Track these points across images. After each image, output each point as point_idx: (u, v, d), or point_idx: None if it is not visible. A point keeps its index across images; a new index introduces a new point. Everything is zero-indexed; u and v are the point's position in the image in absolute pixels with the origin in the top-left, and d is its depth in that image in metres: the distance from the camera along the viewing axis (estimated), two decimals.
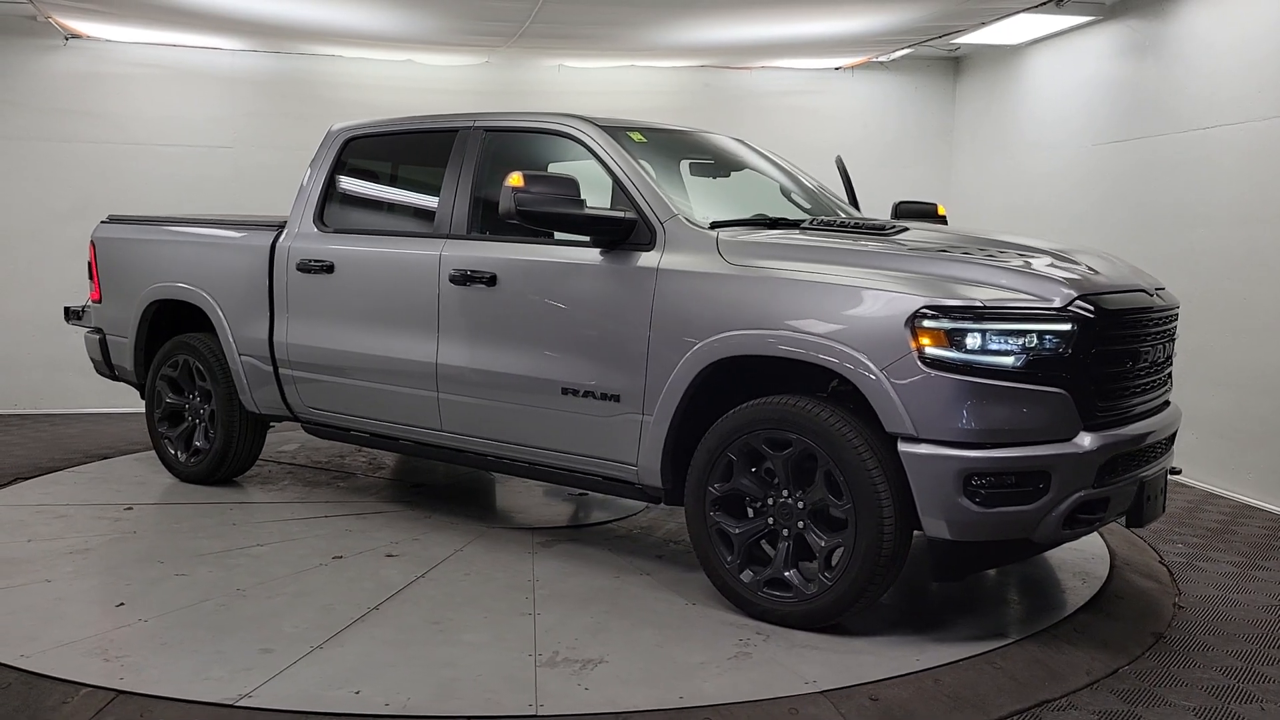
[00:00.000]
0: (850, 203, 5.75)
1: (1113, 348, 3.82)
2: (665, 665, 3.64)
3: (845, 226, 4.38)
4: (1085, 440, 3.68)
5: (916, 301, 3.63)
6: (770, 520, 3.99)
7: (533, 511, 5.72)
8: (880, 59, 9.16)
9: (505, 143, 5.06)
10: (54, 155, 8.47)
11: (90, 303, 6.58)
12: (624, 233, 4.33)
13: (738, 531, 4.04)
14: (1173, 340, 4.43)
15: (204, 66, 8.66)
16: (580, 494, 5.95)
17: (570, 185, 4.29)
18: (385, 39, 8.09)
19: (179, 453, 6.06)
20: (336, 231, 5.41)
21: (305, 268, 5.37)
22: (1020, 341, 3.61)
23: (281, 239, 5.54)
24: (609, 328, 4.36)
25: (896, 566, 3.80)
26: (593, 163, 4.63)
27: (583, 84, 9.10)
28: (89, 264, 6.50)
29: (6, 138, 8.39)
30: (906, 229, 4.39)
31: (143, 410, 6.32)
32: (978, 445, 3.58)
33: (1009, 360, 3.60)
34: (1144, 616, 4.30)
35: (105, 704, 3.26)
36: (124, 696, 3.30)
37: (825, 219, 4.56)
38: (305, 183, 5.59)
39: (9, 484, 6.01)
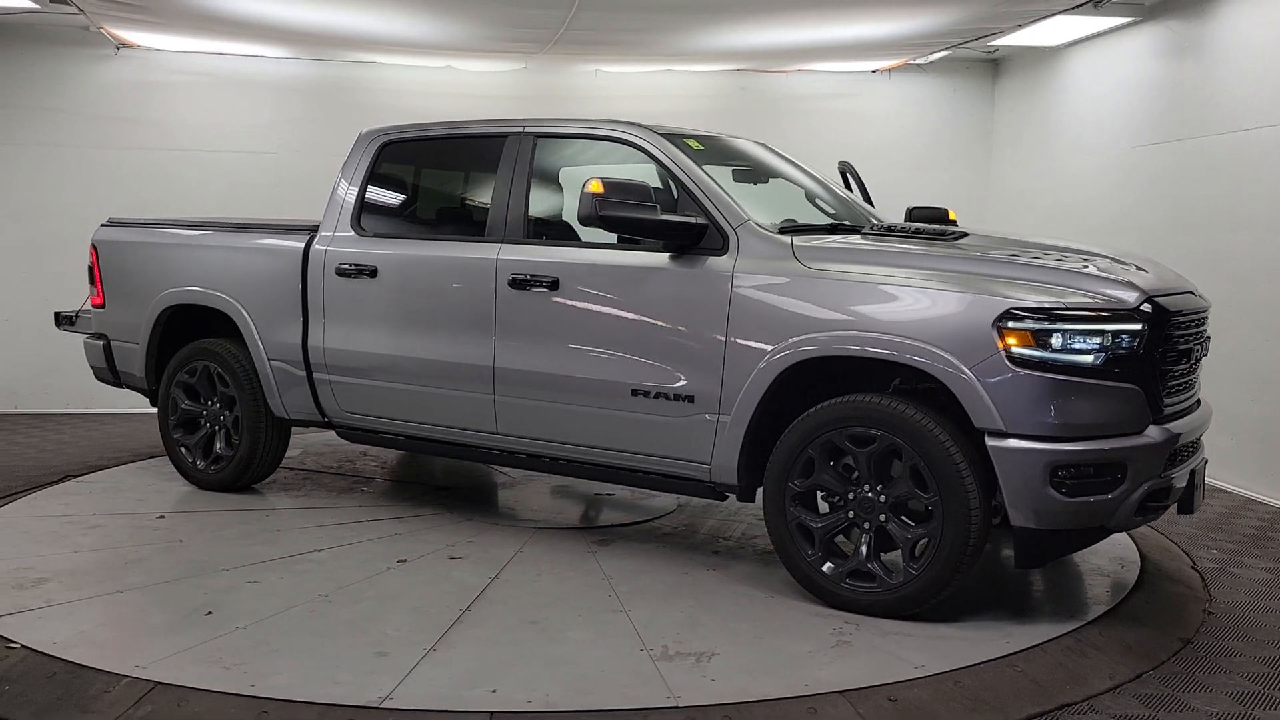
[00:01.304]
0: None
1: (1173, 346, 4.06)
2: (774, 655, 3.77)
3: (906, 232, 4.52)
4: (1154, 433, 3.93)
5: (1004, 303, 3.83)
6: (850, 514, 4.14)
7: (566, 512, 5.80)
8: (917, 61, 9.14)
9: (559, 149, 5.17)
10: (104, 162, 8.71)
11: (91, 308, 6.45)
12: (696, 238, 4.44)
13: (819, 525, 4.18)
14: (1207, 340, 4.55)
15: (248, 74, 8.86)
16: (608, 494, 6.02)
17: (645, 191, 4.43)
18: (424, 46, 8.22)
19: (197, 460, 5.95)
20: (377, 236, 5.42)
21: (345, 272, 5.36)
22: (1098, 340, 3.83)
23: (316, 243, 5.52)
24: (682, 331, 4.46)
25: (978, 556, 3.97)
26: (644, 168, 4.74)
27: (619, 88, 9.17)
28: (90, 268, 6.36)
29: (60, 145, 8.63)
30: (966, 234, 4.54)
31: (131, 412, 6.28)
32: (1063, 439, 3.79)
33: (1088, 358, 3.81)
34: (1172, 622, 4.29)
35: (145, 693, 3.38)
36: (161, 687, 3.42)
37: (884, 225, 4.70)
38: (340, 187, 5.57)
39: (32, 489, 6.12)
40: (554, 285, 4.75)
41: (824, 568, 4.18)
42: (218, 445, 5.90)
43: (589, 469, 4.88)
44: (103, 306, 6.36)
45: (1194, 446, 4.31)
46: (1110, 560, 4.95)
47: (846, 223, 4.97)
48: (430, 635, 3.88)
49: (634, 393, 4.54)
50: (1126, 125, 7.68)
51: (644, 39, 7.87)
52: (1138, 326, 3.87)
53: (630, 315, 4.58)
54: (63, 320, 6.77)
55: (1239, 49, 6.55)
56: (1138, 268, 4.29)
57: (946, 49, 8.55)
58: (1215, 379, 6.50)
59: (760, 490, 4.40)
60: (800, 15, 7.18)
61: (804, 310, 4.17)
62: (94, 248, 6.38)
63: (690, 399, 4.42)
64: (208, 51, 8.65)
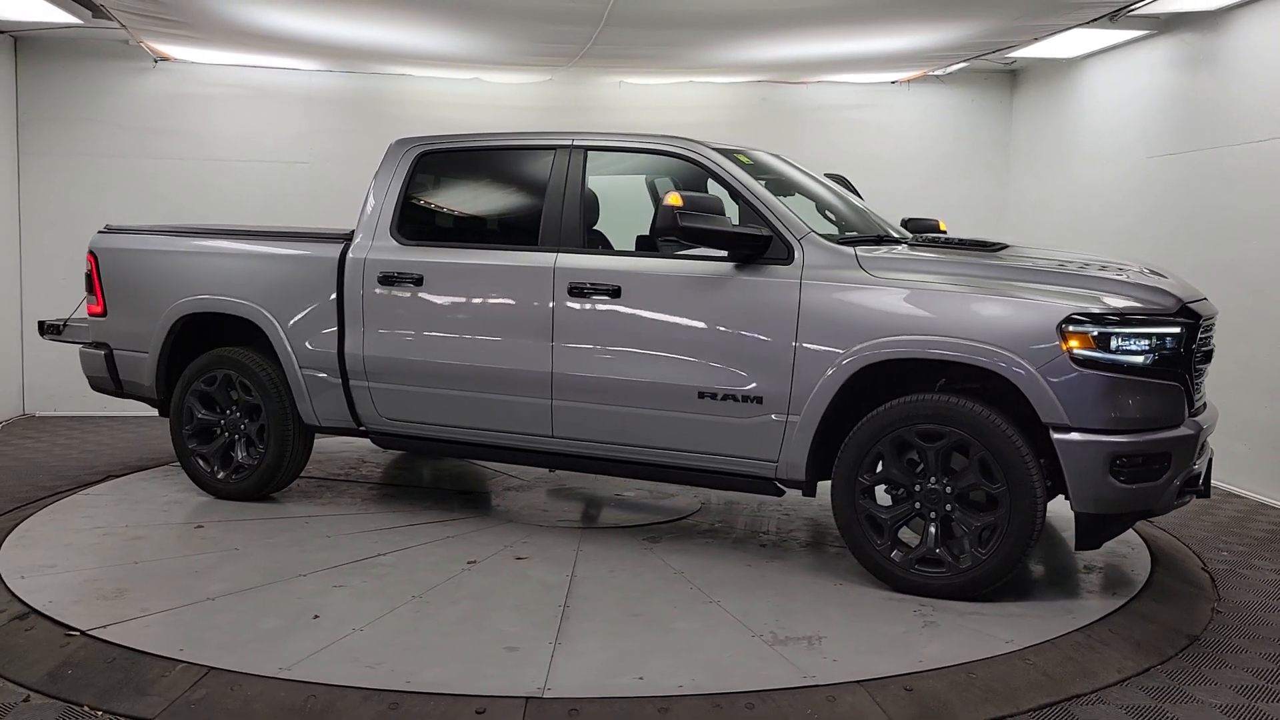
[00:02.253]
0: None
1: (1200, 348, 4.50)
2: (875, 637, 4.04)
3: (950, 244, 4.92)
4: (1190, 425, 4.39)
5: (1066, 308, 4.22)
6: (917, 505, 4.45)
7: (578, 511, 5.97)
8: (936, 73, 9.29)
9: (611, 161, 5.41)
10: (142, 171, 8.96)
11: (88, 316, 6.29)
12: (762, 248, 4.71)
13: (886, 516, 4.49)
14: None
15: (281, 86, 9.10)
16: (619, 495, 6.21)
17: (718, 204, 4.70)
18: (453, 59, 8.43)
19: (216, 469, 5.87)
20: (420, 244, 5.46)
21: (389, 279, 5.40)
22: (1147, 342, 4.26)
23: (353, 252, 5.53)
24: (750, 336, 4.70)
25: (1039, 541, 4.37)
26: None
27: (643, 100, 9.37)
28: (88, 276, 6.22)
29: (100, 155, 8.90)
30: (1006, 246, 4.97)
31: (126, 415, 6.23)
32: (1120, 431, 4.19)
33: (1139, 358, 4.23)
34: (1180, 620, 4.42)
35: (199, 678, 3.58)
36: (215, 672, 3.61)
37: (928, 236, 5.04)
38: (376, 196, 5.59)
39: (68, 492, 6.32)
40: (615, 293, 4.93)
41: (893, 555, 4.49)
42: (239, 454, 5.84)
43: (647, 469, 5.08)
44: (103, 315, 6.20)
45: (1206, 440, 4.69)
46: (1123, 561, 5.09)
47: (892, 234, 5.30)
48: (546, 630, 4.03)
49: (700, 395, 4.77)
50: (1142, 136, 7.81)
51: (667, 53, 8.06)
52: (1178, 329, 4.30)
53: (696, 322, 4.81)
54: (47, 329, 6.56)
55: (1253, 62, 6.68)
56: (1156, 274, 4.70)
57: (964, 61, 8.70)
58: (1229, 386, 6.64)
59: (812, 485, 4.72)
60: (819, 30, 7.34)
61: (875, 316, 4.47)
62: (92, 255, 6.23)
63: (759, 400, 4.67)
64: (242, 64, 8.89)
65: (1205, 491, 4.63)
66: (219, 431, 5.92)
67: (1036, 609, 4.36)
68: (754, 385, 4.68)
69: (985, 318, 4.31)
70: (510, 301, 5.18)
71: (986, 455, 4.29)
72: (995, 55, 8.44)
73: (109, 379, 6.25)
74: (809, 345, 4.57)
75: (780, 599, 4.43)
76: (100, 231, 6.34)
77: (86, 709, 3.46)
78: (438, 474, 6.73)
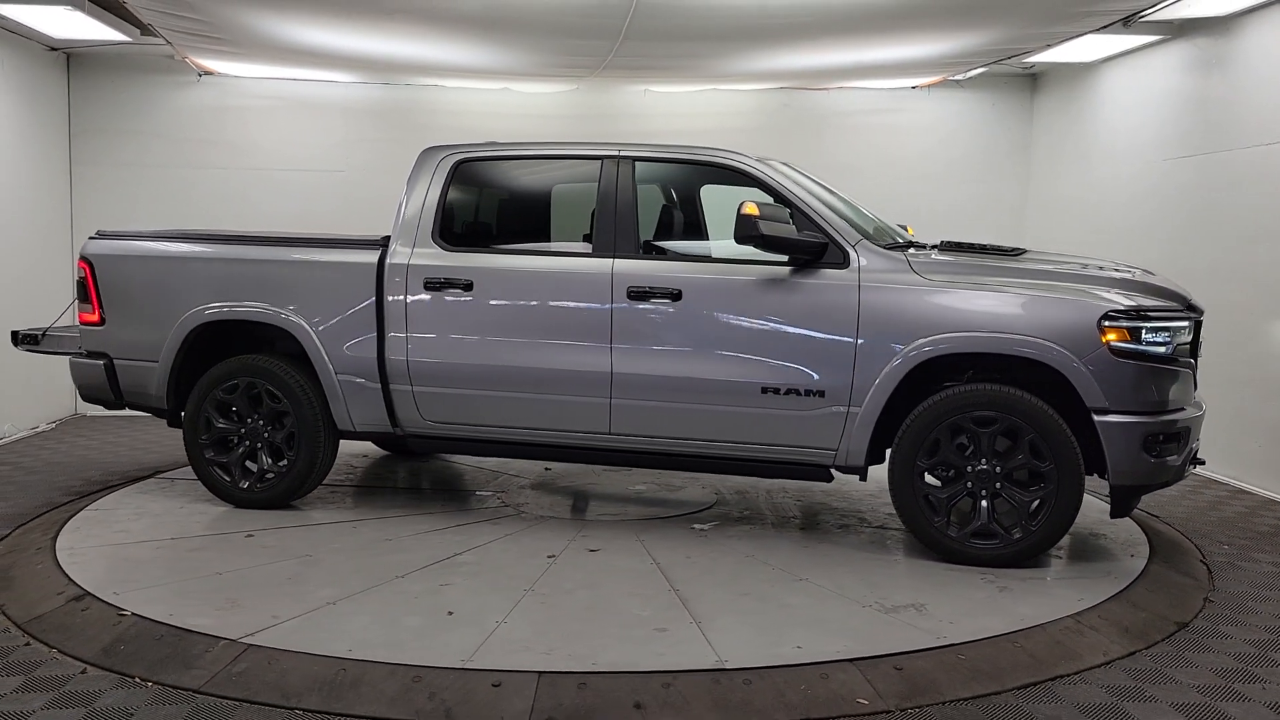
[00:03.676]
0: None
1: (1198, 340, 5.10)
2: (967, 602, 4.46)
3: (974, 248, 5.40)
4: (1198, 406, 5.07)
5: (1104, 306, 4.78)
6: (969, 484, 4.92)
7: (617, 506, 6.22)
8: (956, 78, 9.45)
9: (660, 172, 5.74)
10: (185, 181, 9.35)
11: (80, 325, 6.06)
12: (820, 254, 5.07)
13: (944, 496, 4.96)
14: None
15: (318, 98, 9.45)
16: (638, 490, 6.43)
17: (784, 213, 5.09)
18: (482, 70, 8.73)
19: (238, 479, 5.77)
20: (465, 250, 5.56)
21: (435, 285, 5.48)
22: (1168, 335, 4.84)
23: (393, 258, 5.56)
24: (813, 335, 5.08)
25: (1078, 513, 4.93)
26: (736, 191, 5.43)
27: (667, 107, 9.62)
28: (83, 283, 5.99)
29: (147, 165, 9.30)
30: (1025, 251, 5.55)
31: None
32: (1151, 413, 4.78)
33: (1163, 349, 4.81)
34: (1171, 608, 4.59)
35: (240, 653, 3.87)
36: (254, 649, 3.90)
37: (951, 242, 5.56)
38: (416, 202, 5.63)
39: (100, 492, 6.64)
40: (676, 296, 5.21)
41: (949, 531, 4.95)
42: (265, 462, 5.77)
43: (702, 462, 5.39)
44: (101, 324, 5.97)
45: None
46: (1121, 552, 5.26)
47: (901, 239, 5.63)
48: (675, 612, 4.30)
49: (764, 390, 5.11)
50: (1157, 138, 7.93)
51: (689, 63, 8.29)
52: (1187, 323, 4.96)
53: (758, 322, 5.15)
54: (23, 339, 6.29)
55: (1264, 66, 6.80)
56: (1148, 274, 5.27)
57: (983, 66, 8.85)
58: (1240, 384, 6.78)
59: (865, 470, 5.15)
60: (836, 41, 7.54)
61: (931, 314, 4.92)
62: (87, 262, 6.01)
63: (821, 394, 5.06)
64: (282, 78, 9.25)
65: (1202, 461, 5.26)
66: (237, 440, 5.81)
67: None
68: (817, 380, 5.05)
69: (1033, 315, 4.81)
70: (567, 305, 5.39)
71: (1036, 438, 4.79)
72: (1014, 60, 8.59)
73: (108, 389, 6.01)
74: (869, 342, 4.98)
75: (857, 574, 4.83)
76: (92, 237, 6.15)
77: (137, 680, 3.77)
78: (413, 473, 6.82)
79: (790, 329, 5.09)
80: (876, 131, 9.80)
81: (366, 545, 5.22)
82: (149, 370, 5.89)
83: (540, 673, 3.72)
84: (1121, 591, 4.67)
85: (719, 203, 5.93)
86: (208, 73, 9.16)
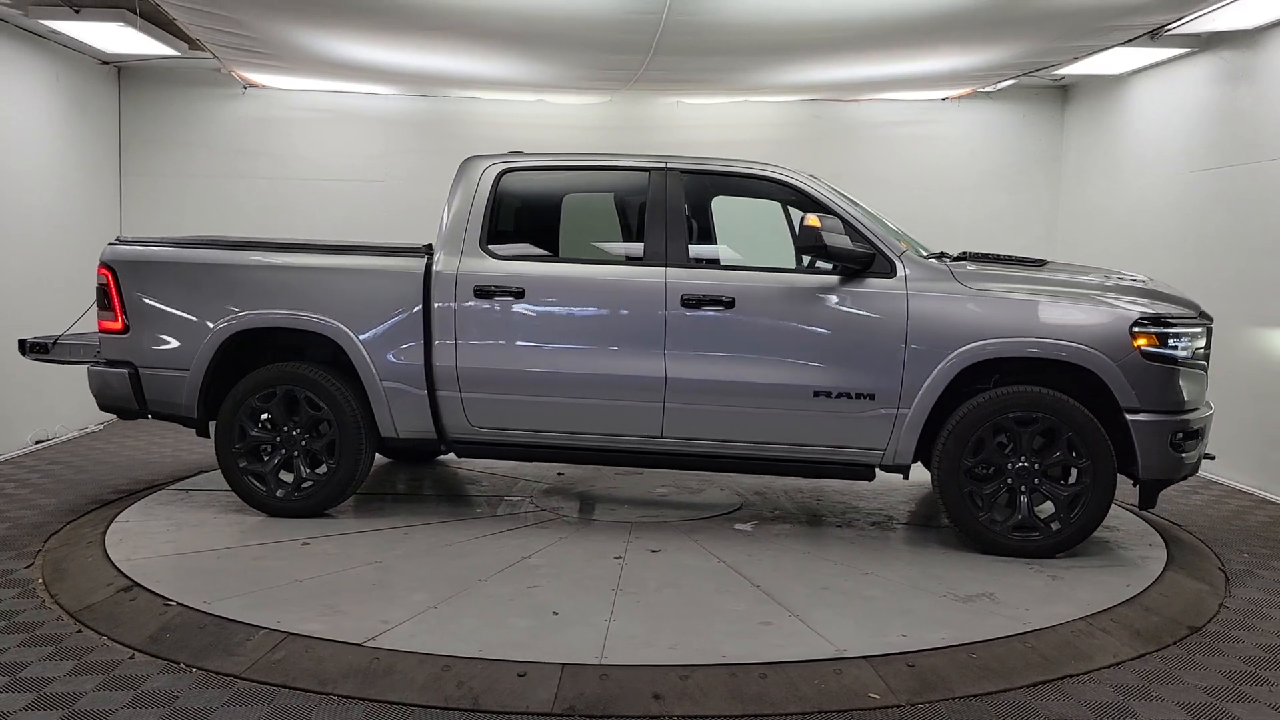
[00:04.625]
0: None
1: (1209, 345, 5.41)
2: (1031, 591, 4.74)
3: (1000, 259, 5.71)
4: (1211, 406, 5.41)
5: (1134, 313, 5.15)
6: (1009, 481, 5.24)
7: (651, 508, 6.36)
8: (986, 89, 9.52)
9: (708, 184, 5.94)
10: (230, 191, 9.64)
11: (99, 333, 5.95)
12: (869, 263, 5.33)
13: (988, 492, 5.25)
14: None
15: (359, 109, 9.71)
16: (660, 492, 6.57)
17: (840, 224, 5.36)
18: (518, 83, 8.93)
19: (274, 487, 5.74)
20: (514, 259, 5.65)
21: (485, 292, 5.56)
22: (1189, 339, 5.19)
23: (440, 266, 5.61)
24: (863, 341, 5.33)
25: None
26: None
27: (698, 119, 9.77)
28: (104, 289, 5.86)
29: (193, 175, 9.60)
30: (1047, 262, 5.84)
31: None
32: (1176, 412, 5.14)
33: (1185, 353, 5.17)
34: (1185, 613, 4.67)
35: (278, 642, 4.07)
36: (292, 637, 4.09)
37: (979, 252, 5.83)
38: (462, 211, 5.69)
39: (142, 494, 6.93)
40: (730, 304, 5.40)
41: (992, 525, 5.24)
42: (304, 469, 5.76)
43: (751, 463, 5.58)
44: (124, 332, 5.85)
45: None
46: (1138, 558, 5.33)
47: (950, 252, 5.89)
48: (769, 606, 4.49)
49: (816, 394, 5.34)
50: (1185, 149, 7.98)
51: (719, 76, 8.45)
52: (1202, 329, 5.29)
53: (809, 328, 5.38)
54: (33, 348, 6.13)
55: None
56: (1150, 282, 5.68)
57: (1012, 79, 8.93)
58: (1268, 396, 6.82)
59: (909, 469, 5.44)
60: (867, 54, 7.66)
61: (976, 321, 5.22)
62: (109, 269, 5.88)
63: (871, 396, 5.30)
64: (324, 90, 9.52)
65: (1211, 456, 5.52)
66: (272, 448, 5.78)
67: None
68: (867, 383, 5.29)
69: (1070, 321, 5.16)
70: (620, 312, 5.54)
71: (1074, 436, 5.12)
72: (1044, 72, 8.67)
73: (131, 398, 5.87)
74: (918, 347, 5.25)
75: (916, 567, 5.09)
76: (111, 244, 6.01)
77: (182, 666, 3.97)
78: (414, 480, 6.83)
79: (841, 335, 5.33)
80: (907, 143, 9.89)
81: (429, 551, 5.25)
82: (178, 379, 5.78)
83: (564, 664, 3.88)
84: (1136, 596, 4.74)
85: (744, 215, 6.17)
86: (252, 85, 9.44)
